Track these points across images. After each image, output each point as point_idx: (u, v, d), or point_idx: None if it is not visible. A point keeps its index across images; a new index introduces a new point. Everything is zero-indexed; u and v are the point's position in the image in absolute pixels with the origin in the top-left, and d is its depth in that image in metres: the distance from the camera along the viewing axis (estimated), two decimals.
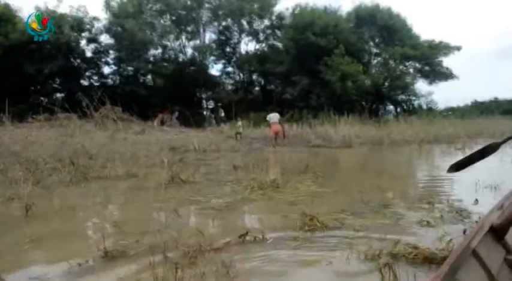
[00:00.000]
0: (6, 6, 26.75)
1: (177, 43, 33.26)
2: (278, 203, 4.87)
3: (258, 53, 34.39)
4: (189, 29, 33.46)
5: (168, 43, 32.92)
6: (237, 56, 34.68)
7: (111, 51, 31.32)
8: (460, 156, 11.80)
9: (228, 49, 34.87)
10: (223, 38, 34.46)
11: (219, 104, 32.88)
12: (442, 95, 66.46)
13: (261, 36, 34.75)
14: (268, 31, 34.61)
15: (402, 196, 5.33)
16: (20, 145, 11.58)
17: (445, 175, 8.18)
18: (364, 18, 32.92)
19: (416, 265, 2.74)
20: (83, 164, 8.13)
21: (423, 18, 75.28)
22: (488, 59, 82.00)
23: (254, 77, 35.17)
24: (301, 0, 33.67)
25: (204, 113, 33.75)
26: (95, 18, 30.01)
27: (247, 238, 3.30)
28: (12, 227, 4.11)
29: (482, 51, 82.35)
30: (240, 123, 19.02)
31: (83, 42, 30.23)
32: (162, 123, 22.37)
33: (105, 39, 30.94)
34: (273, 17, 34.12)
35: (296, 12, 33.15)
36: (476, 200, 4.97)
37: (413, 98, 34.03)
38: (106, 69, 31.89)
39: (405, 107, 33.92)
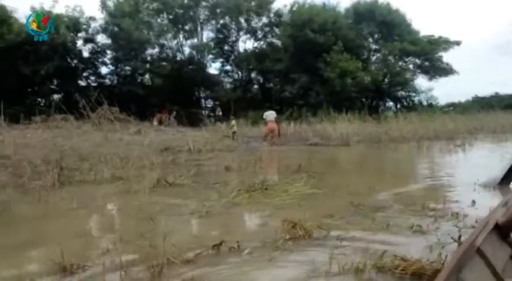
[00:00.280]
0: (2, 7, 26.53)
1: (175, 42, 33.19)
2: (263, 207, 4.63)
3: (257, 51, 34.22)
4: (186, 27, 33.33)
5: (166, 42, 32.78)
6: (235, 55, 34.50)
7: (108, 51, 31.19)
8: (459, 153, 11.55)
9: (226, 47, 34.72)
10: (221, 36, 34.30)
11: (217, 103, 32.70)
12: (442, 90, 66.19)
13: (259, 34, 34.60)
14: (267, 29, 34.46)
15: (396, 198, 5.05)
16: (11, 148, 11.43)
17: (442, 174, 7.97)
18: (363, 14, 32.72)
19: None
20: (71, 167, 7.92)
21: (422, 13, 74.96)
22: (489, 53, 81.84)
23: (253, 75, 35.00)
24: None
25: (203, 112, 33.55)
26: (91, 18, 29.92)
27: (222, 248, 3.07)
28: None
29: (483, 46, 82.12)
30: (234, 122, 18.82)
31: (80, 42, 30.17)
32: (161, 123, 22.21)
33: (102, 39, 30.85)
34: (271, 15, 33.97)
35: (294, 9, 33.00)
36: (474, 201, 4.72)
37: (413, 94, 33.87)
38: (103, 70, 31.83)
39: (405, 103, 33.72)
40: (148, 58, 32.59)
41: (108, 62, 31.46)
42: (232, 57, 34.63)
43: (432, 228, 3.66)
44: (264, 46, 34.64)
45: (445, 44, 31.90)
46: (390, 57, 32.77)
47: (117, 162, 9.06)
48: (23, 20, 26.70)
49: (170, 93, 30.63)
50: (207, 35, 34.09)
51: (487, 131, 20.46)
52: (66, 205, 5.06)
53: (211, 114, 32.13)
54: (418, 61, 32.96)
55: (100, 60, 31.33)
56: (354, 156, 13.02)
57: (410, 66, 33.49)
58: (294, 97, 31.07)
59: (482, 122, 22.42)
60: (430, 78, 33.49)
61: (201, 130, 19.13)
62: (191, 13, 32.59)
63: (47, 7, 27.31)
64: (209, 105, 34.97)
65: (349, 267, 2.64)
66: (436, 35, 32.31)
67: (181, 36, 33.19)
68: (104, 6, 30.46)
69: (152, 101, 30.74)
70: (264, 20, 34.16)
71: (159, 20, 32.46)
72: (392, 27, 32.43)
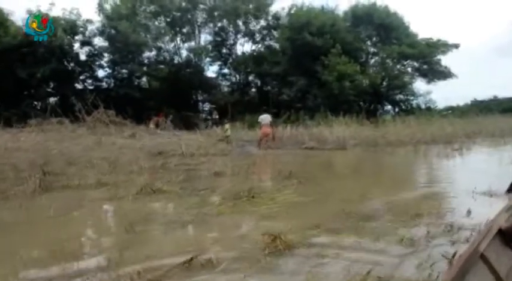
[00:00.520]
0: None
1: (172, 45, 32.91)
2: (247, 217, 4.44)
3: (254, 54, 33.99)
4: (184, 30, 33.11)
5: (163, 45, 32.53)
6: (233, 58, 34.30)
7: (105, 54, 30.93)
8: (457, 157, 11.35)
9: (224, 50, 34.50)
10: (219, 39, 34.08)
11: (213, 106, 32.53)
12: (441, 94, 66.17)
13: (257, 36, 34.36)
14: (265, 32, 34.22)
15: (388, 206, 4.84)
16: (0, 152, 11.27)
17: (438, 180, 7.79)
18: (361, 17, 32.58)
19: None
20: (56, 172, 7.75)
21: (421, 16, 74.93)
22: (488, 56, 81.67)
23: (250, 78, 34.78)
24: None
25: (201, 115, 33.34)
26: (88, 21, 29.57)
27: (195, 262, 2.87)
28: None
29: (482, 49, 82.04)
30: (227, 126, 18.65)
31: (77, 45, 29.84)
32: (157, 126, 22.06)
33: (99, 42, 30.54)
34: (269, 17, 33.71)
35: (292, 12, 32.80)
36: (469, 211, 4.52)
37: (412, 97, 33.71)
38: (100, 73, 31.51)
39: (403, 106, 33.53)
40: (146, 61, 32.33)
41: (105, 65, 31.20)
42: (230, 60, 34.41)
43: (424, 241, 3.46)
44: (262, 49, 34.40)
45: (443, 47, 31.76)
46: (388, 61, 32.60)
47: (105, 167, 8.89)
48: (20, 23, 26.75)
49: (168, 97, 30.42)
50: (205, 38, 33.91)
51: (485, 135, 20.28)
52: (44, 213, 4.86)
53: (209, 117, 31.92)
54: (416, 64, 32.79)
55: (97, 63, 31.05)
56: (349, 160, 12.83)
57: (409, 69, 33.34)
58: (291, 100, 30.92)
59: (481, 126, 22.25)
60: (429, 82, 33.36)
61: (201, 134, 18.95)
62: (189, 16, 32.37)
63: (44, 9, 27.19)
64: (206, 109, 34.75)
65: None
66: (435, 38, 32.23)
67: (178, 39, 32.97)
68: (100, 9, 30.26)
69: (149, 104, 30.55)
70: (262, 23, 33.93)
71: (156, 23, 32.21)
72: (390, 30, 32.29)
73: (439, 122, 21.50)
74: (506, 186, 5.42)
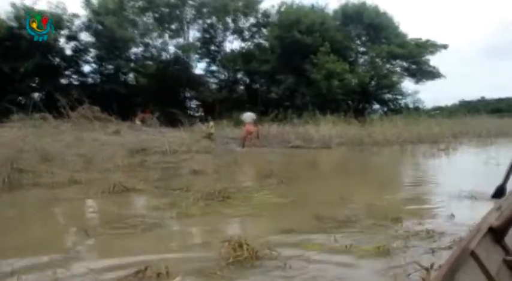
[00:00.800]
0: None
1: (160, 41, 32.49)
2: (216, 220, 4.20)
3: (243, 51, 33.71)
4: (172, 27, 32.77)
5: (150, 41, 32.09)
6: (222, 55, 33.97)
7: (91, 49, 30.47)
8: (443, 158, 11.21)
9: (212, 47, 34.15)
10: (207, 36, 33.75)
11: (199, 103, 32.24)
12: (429, 94, 66.36)
13: (246, 34, 34.12)
14: (254, 29, 33.98)
15: (367, 210, 4.57)
16: None
17: (421, 181, 7.59)
18: (351, 16, 32.53)
19: None
20: (29, 169, 7.43)
21: (411, 17, 75.21)
22: (477, 58, 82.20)
23: (239, 75, 34.51)
24: None
25: (189, 112, 33.00)
26: (75, 15, 29.13)
27: (149, 273, 2.62)
28: None
29: (470, 50, 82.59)
30: (211, 123, 18.43)
31: (62, 40, 29.35)
32: (144, 122, 21.80)
33: (85, 37, 30.09)
34: (259, 15, 33.48)
35: (282, 10, 32.60)
36: (452, 215, 4.31)
37: (400, 97, 33.79)
38: (86, 68, 31.10)
39: (392, 106, 33.55)
40: (133, 57, 31.94)
41: (91, 60, 30.80)
42: (219, 57, 34.08)
43: (401, 250, 3.20)
44: (251, 47, 34.17)
45: (432, 47, 31.83)
46: (377, 60, 32.60)
47: (81, 164, 8.61)
48: (3, 17, 26.24)
49: (155, 93, 30.04)
50: (193, 34, 33.55)
51: (472, 135, 20.26)
52: (4, 213, 4.58)
53: (197, 114, 31.64)
54: (405, 64, 32.83)
55: (83, 58, 30.62)
56: (332, 160, 12.67)
57: (398, 69, 33.38)
58: (280, 98, 30.82)
59: (468, 126, 22.24)
60: (417, 82, 33.46)
61: (184, 131, 18.65)
62: (177, 12, 32.03)
63: (28, 3, 26.71)
64: (193, 106, 34.46)
65: None
66: (424, 39, 32.29)
67: (166, 35, 32.58)
68: (87, 3, 29.74)
69: (137, 101, 30.23)
70: (252, 20, 33.70)
71: (144, 19, 31.81)
72: (380, 29, 32.28)
73: (427, 122, 21.45)
74: (491, 189, 5.22)
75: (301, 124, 19.88)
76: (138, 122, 21.77)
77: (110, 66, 30.86)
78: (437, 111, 33.52)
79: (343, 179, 7.88)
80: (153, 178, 6.55)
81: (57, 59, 29.42)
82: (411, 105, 33.10)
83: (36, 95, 29.74)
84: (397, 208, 4.75)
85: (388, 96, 33.69)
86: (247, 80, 34.31)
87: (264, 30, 33.56)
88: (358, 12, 32.32)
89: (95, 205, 4.87)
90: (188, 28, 33.09)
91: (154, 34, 32.01)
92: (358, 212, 4.47)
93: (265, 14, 33.34)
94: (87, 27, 29.64)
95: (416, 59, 31.91)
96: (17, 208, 4.67)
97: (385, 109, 33.26)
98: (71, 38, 29.59)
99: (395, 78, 32.49)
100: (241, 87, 34.69)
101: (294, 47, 29.23)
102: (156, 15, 31.71)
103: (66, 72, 30.37)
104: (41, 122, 15.53)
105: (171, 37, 32.78)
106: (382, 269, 2.79)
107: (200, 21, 33.39)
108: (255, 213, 4.44)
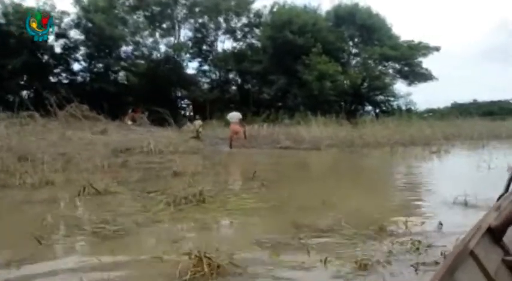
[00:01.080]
0: None
1: (151, 40, 32.12)
2: (184, 227, 3.89)
3: (235, 51, 33.47)
4: (164, 26, 32.42)
5: (141, 40, 31.71)
6: (214, 55, 33.70)
7: (81, 47, 30.07)
8: (434, 160, 10.97)
9: (204, 47, 33.84)
10: (199, 35, 33.42)
11: (188, 103, 31.94)
12: (421, 96, 66.31)
13: (239, 34, 33.87)
14: (246, 29, 33.74)
15: (350, 217, 4.11)
16: None
17: (410, 185, 7.30)
18: (343, 17, 32.41)
19: None
20: (1, 169, 7.11)
21: (403, 19, 75.07)
22: (469, 61, 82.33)
23: (231, 76, 34.26)
24: None
25: (182, 112, 32.68)
26: (64, 13, 28.70)
27: None
28: None
29: (463, 53, 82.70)
30: (200, 122, 18.18)
31: (51, 37, 28.84)
32: (134, 121, 21.57)
33: (74, 34, 29.66)
34: (251, 15, 33.27)
35: (274, 10, 32.40)
36: (441, 223, 3.98)
37: (392, 98, 33.76)
38: (76, 66, 30.69)
39: (384, 107, 33.50)
40: (123, 55, 31.54)
41: (80, 58, 30.40)
42: (211, 57, 33.79)
43: (381, 265, 2.87)
44: (243, 47, 33.93)
45: (424, 49, 31.75)
46: (370, 62, 32.48)
47: (60, 164, 8.29)
48: None
49: (146, 92, 29.60)
50: (185, 33, 33.22)
51: (464, 137, 20.12)
52: None
53: (189, 114, 31.35)
54: (397, 66, 32.76)
55: (72, 56, 30.20)
56: (320, 161, 12.40)
57: (390, 70, 33.30)
58: (272, 99, 30.63)
59: (460, 129, 22.11)
60: (409, 84, 33.40)
61: (172, 130, 18.36)
62: (169, 11, 31.70)
63: (17, 0, 26.26)
64: (184, 106, 34.14)
65: None
66: (416, 41, 32.19)
67: (157, 34, 32.22)
68: (77, 0, 29.33)
69: (127, 100, 29.90)
70: (244, 20, 33.48)
71: (135, 17, 31.43)
72: (372, 31, 32.16)
73: (418, 124, 21.30)
74: (483, 194, 4.95)
75: (293, 125, 19.66)
76: (129, 121, 21.57)
77: (100, 65, 30.51)
78: (430, 114, 33.47)
79: (329, 183, 7.57)
80: (131, 180, 6.25)
81: (46, 57, 29.01)
82: (403, 107, 33.02)
83: (24, 93, 29.37)
84: (382, 215, 4.40)
85: (381, 98, 33.64)
86: (239, 80, 34.08)
87: (256, 31, 33.36)
88: (350, 13, 32.20)
89: (60, 209, 4.54)
90: (180, 27, 32.79)
91: (145, 33, 31.67)
92: (341, 219, 4.08)
93: (258, 14, 33.16)
94: (77, 25, 29.26)
95: (409, 61, 31.86)
96: None
97: (378, 111, 33.19)
98: (60, 35, 29.13)
99: (387, 80, 32.45)
100: (233, 87, 34.49)
101: (286, 48, 29.02)
102: (147, 13, 31.36)
103: (55, 71, 29.99)
104: (28, 121, 15.24)
105: (162, 36, 32.46)
106: None
107: (192, 21, 33.04)
108: (227, 220, 4.13)
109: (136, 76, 31.92)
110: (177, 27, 32.64)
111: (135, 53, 32.01)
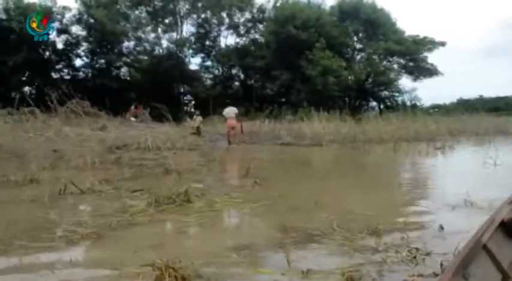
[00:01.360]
0: None
1: (153, 35, 31.93)
2: (162, 231, 3.60)
3: (238, 46, 33.21)
4: (166, 21, 32.22)
5: (143, 35, 31.52)
6: (217, 50, 33.43)
7: (83, 43, 29.93)
8: (438, 156, 10.63)
9: (207, 42, 33.64)
10: (202, 31, 33.22)
11: (190, 99, 31.73)
12: (427, 91, 65.81)
13: (242, 29, 33.60)
14: (249, 24, 33.46)
15: (343, 219, 3.77)
16: None
17: (411, 183, 6.95)
18: (348, 12, 32.01)
19: None
20: None
21: (408, 14, 74.59)
22: (475, 56, 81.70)
23: (234, 71, 34.05)
24: None
25: (185, 108, 32.44)
26: (65, 8, 28.56)
27: None
28: None
29: (469, 49, 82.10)
30: (200, 118, 17.93)
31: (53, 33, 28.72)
32: (136, 117, 21.40)
33: (76, 30, 29.52)
34: (254, 10, 33.04)
35: (278, 5, 32.09)
36: (442, 227, 3.61)
37: (397, 94, 33.36)
38: (78, 62, 30.61)
39: (389, 103, 33.12)
40: (125, 51, 31.38)
41: (82, 54, 30.30)
42: (214, 52, 33.56)
43: (372, 278, 2.52)
44: (246, 42, 33.66)
45: (430, 44, 31.30)
46: (374, 57, 32.07)
47: (50, 161, 8.07)
48: None
49: (149, 88, 29.47)
50: (188, 29, 33.03)
51: (469, 133, 19.73)
52: None
53: (192, 110, 31.14)
54: (402, 61, 32.38)
55: (74, 52, 30.11)
56: (321, 158, 12.07)
57: (395, 66, 32.91)
58: (275, 95, 30.39)
59: (465, 124, 21.69)
60: (415, 79, 33.02)
61: (171, 126, 18.13)
62: (171, 6, 31.48)
63: None
64: (187, 102, 33.95)
65: None
66: (421, 35, 31.72)
67: (160, 29, 32.04)
68: None
69: (130, 96, 29.73)
70: (247, 15, 33.25)
71: (137, 12, 31.22)
72: (377, 26, 31.76)
73: (423, 120, 20.89)
74: (489, 193, 4.61)
75: (296, 121, 19.38)
76: (131, 118, 21.39)
77: (102, 61, 30.37)
78: (436, 110, 33.08)
79: (325, 180, 7.23)
80: (120, 177, 6.00)
81: (48, 53, 28.87)
82: (408, 103, 32.61)
83: (26, 89, 29.33)
84: (379, 217, 3.93)
85: (385, 93, 33.27)
86: (242, 76, 33.88)
87: (260, 26, 33.08)
88: (355, 8, 31.79)
89: (35, 209, 4.28)
90: (182, 23, 32.63)
91: (148, 28, 31.53)
92: (333, 222, 3.75)
93: (261, 9, 32.94)
94: (78, 21, 29.10)
95: (414, 56, 31.45)
96: None
97: (382, 106, 32.81)
98: (62, 31, 29.01)
99: (392, 75, 32.03)
100: (236, 83, 34.28)
101: (289, 43, 28.69)
102: (149, 9, 31.16)
103: (57, 66, 29.89)
104: (28, 117, 15.10)
105: (164, 32, 32.34)
106: None
107: (194, 16, 32.88)
108: (210, 222, 3.82)
109: (139, 72, 31.79)
110: (179, 23, 32.47)
111: (138, 48, 31.92)
